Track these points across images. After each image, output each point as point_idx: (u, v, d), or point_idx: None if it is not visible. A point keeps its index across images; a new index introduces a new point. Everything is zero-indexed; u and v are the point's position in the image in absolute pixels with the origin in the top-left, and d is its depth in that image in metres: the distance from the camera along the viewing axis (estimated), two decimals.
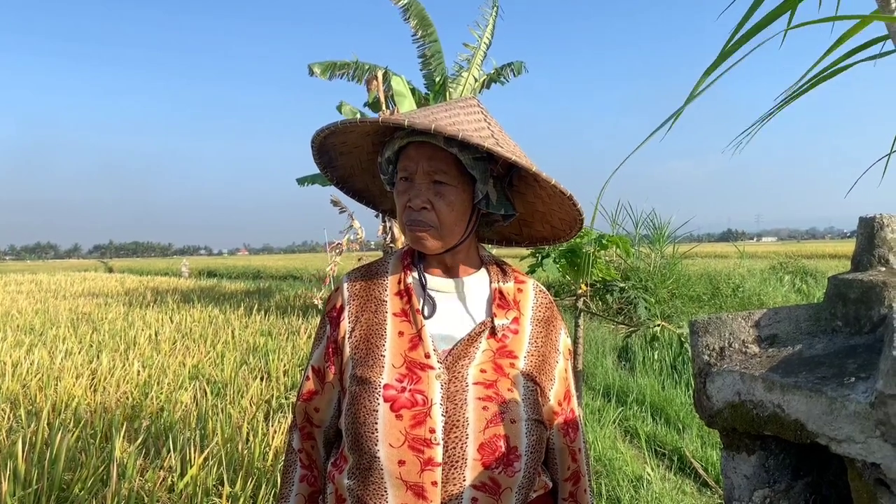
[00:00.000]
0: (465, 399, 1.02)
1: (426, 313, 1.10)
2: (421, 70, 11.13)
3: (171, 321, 9.70)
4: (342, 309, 1.14)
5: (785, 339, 0.91)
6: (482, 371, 1.06)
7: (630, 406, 5.38)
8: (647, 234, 11.19)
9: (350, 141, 1.15)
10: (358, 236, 9.22)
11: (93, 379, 5.56)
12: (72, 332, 8.44)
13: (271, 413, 4.61)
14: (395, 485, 1.00)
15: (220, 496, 3.03)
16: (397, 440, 1.00)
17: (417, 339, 1.07)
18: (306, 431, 1.18)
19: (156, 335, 8.23)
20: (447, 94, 10.65)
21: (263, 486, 3.18)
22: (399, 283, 1.14)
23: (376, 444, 1.00)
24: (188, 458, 3.36)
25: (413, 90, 10.33)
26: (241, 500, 3.07)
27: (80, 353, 6.75)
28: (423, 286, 1.12)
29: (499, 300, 1.13)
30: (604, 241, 3.58)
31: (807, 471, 0.90)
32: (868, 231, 0.93)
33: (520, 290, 1.18)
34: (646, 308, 3.73)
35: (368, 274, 1.18)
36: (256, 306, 11.77)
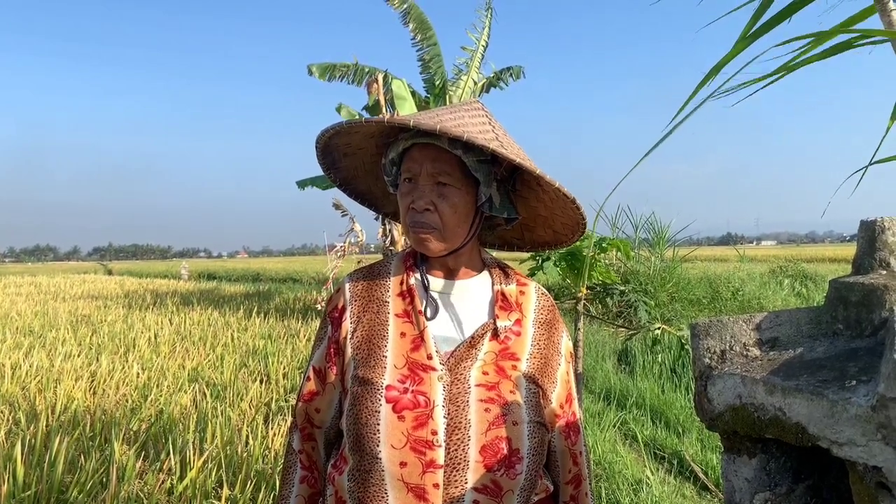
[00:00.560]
0: (467, 401, 1.02)
1: (428, 315, 1.10)
2: (420, 74, 11.15)
3: (171, 323, 9.69)
4: (344, 309, 1.14)
5: (786, 343, 0.91)
6: (484, 373, 1.06)
7: (630, 409, 5.37)
8: (647, 237, 11.20)
9: (354, 142, 1.16)
10: (359, 239, 9.22)
11: (92, 381, 5.55)
12: (71, 335, 8.42)
13: (271, 416, 4.61)
14: (396, 486, 1.00)
15: (220, 499, 3.02)
16: (399, 441, 1.00)
17: (420, 341, 1.07)
18: (307, 432, 1.18)
19: (155, 337, 8.22)
20: (447, 97, 10.67)
21: (263, 489, 3.17)
22: (401, 284, 1.14)
23: (378, 446, 1.00)
24: (187, 460, 3.36)
25: (413, 93, 10.35)
26: (241, 502, 3.06)
27: (79, 355, 6.74)
28: (426, 287, 1.12)
29: (501, 302, 1.13)
30: (604, 245, 3.58)
31: (808, 474, 0.90)
32: (869, 234, 0.93)
33: (522, 293, 1.18)
34: (646, 311, 3.73)
35: (370, 275, 1.18)
36: (256, 309, 11.76)
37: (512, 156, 1.01)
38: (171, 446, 3.54)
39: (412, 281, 1.13)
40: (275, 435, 3.84)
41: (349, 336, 1.11)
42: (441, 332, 1.09)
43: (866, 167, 1.03)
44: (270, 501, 3.10)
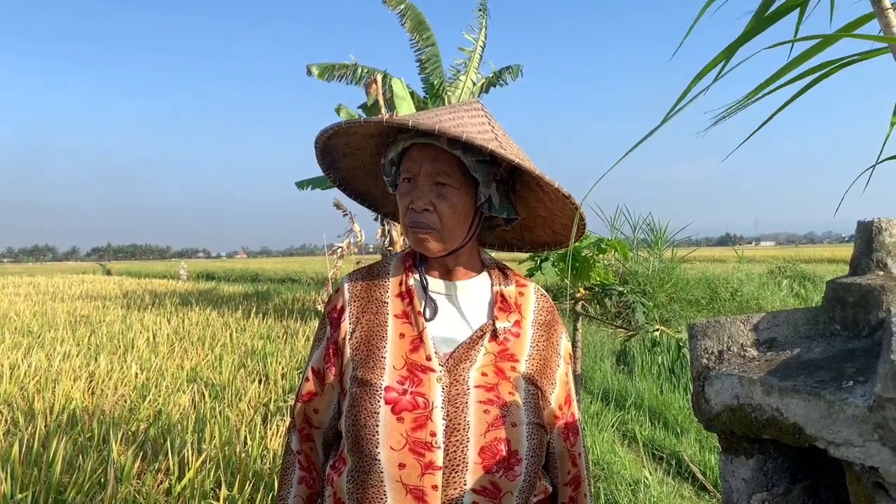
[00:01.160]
0: (466, 402, 1.02)
1: (427, 315, 1.10)
2: (419, 74, 11.15)
3: (170, 324, 9.69)
4: (343, 310, 1.14)
5: (783, 343, 0.92)
6: (483, 374, 1.06)
7: (628, 410, 5.38)
8: (646, 237, 11.20)
9: (354, 143, 1.16)
10: (358, 240, 9.22)
11: (90, 381, 5.55)
12: (70, 335, 8.42)
13: (269, 416, 4.60)
14: (394, 488, 1.00)
15: (218, 499, 3.02)
16: (398, 443, 1.00)
17: (419, 342, 1.07)
18: (305, 433, 1.18)
19: (154, 338, 8.22)
20: (445, 98, 10.67)
21: (261, 490, 3.17)
22: (400, 284, 1.14)
23: (377, 447, 1.00)
24: (186, 461, 3.35)
25: (412, 94, 10.35)
26: (239, 503, 3.06)
27: (77, 355, 6.74)
28: (425, 288, 1.12)
29: (500, 303, 1.13)
30: (602, 245, 3.58)
31: (805, 474, 0.91)
32: (866, 235, 0.94)
33: (521, 294, 1.18)
34: (643, 313, 3.73)
35: (369, 275, 1.18)
36: (255, 309, 11.76)
37: (511, 156, 1.01)
38: (169, 447, 3.54)
39: (411, 282, 1.13)
40: (273, 435, 3.83)
41: (348, 337, 1.11)
42: (440, 333, 1.09)
43: (874, 166, 1.03)
44: (269, 502, 3.09)
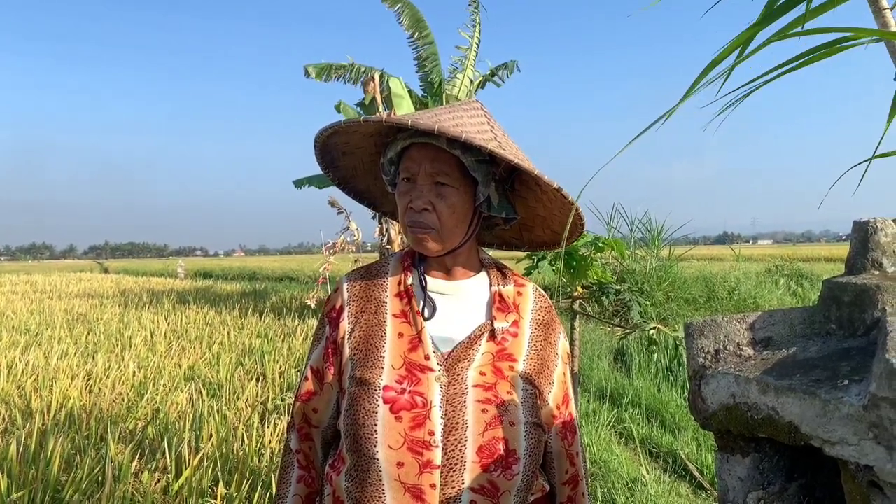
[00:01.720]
0: (465, 402, 1.03)
1: (426, 315, 1.10)
2: (417, 72, 11.13)
3: (167, 322, 9.67)
4: (342, 309, 1.14)
5: (779, 342, 0.92)
6: (481, 374, 1.06)
7: (626, 408, 5.38)
8: (643, 236, 11.21)
9: (353, 141, 1.16)
10: (355, 238, 9.20)
11: (88, 380, 5.54)
12: (67, 333, 8.41)
13: (267, 415, 4.60)
14: (393, 487, 1.00)
15: (215, 498, 3.02)
16: (396, 442, 1.00)
17: (417, 341, 1.07)
18: (304, 432, 1.18)
19: (151, 336, 8.21)
20: (444, 96, 10.66)
21: (259, 488, 3.17)
22: (399, 284, 1.14)
23: (375, 446, 1.01)
24: (183, 459, 3.35)
25: (410, 92, 10.34)
26: (237, 501, 3.06)
27: (75, 354, 6.73)
28: (424, 288, 1.12)
29: (499, 303, 1.14)
30: (599, 244, 3.58)
31: (801, 473, 0.91)
32: (862, 235, 0.94)
33: (519, 294, 1.18)
34: (639, 312, 3.73)
35: (368, 275, 1.18)
36: (252, 307, 11.75)
37: (510, 156, 1.01)
38: (166, 445, 3.54)
39: (410, 281, 1.13)
40: (271, 434, 3.84)
41: (347, 336, 1.11)
42: (439, 332, 1.09)
43: (869, 160, 1.03)
44: (267, 501, 3.10)
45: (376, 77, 8.60)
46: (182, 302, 13.57)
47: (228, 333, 8.35)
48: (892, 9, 0.97)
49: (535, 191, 1.15)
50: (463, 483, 1.00)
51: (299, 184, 10.94)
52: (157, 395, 5.01)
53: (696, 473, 3.88)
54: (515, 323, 1.14)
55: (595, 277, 3.59)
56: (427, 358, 1.06)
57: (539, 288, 1.24)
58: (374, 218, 9.82)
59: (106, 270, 47.03)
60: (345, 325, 1.12)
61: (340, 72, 11.13)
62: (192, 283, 23.43)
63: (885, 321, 0.69)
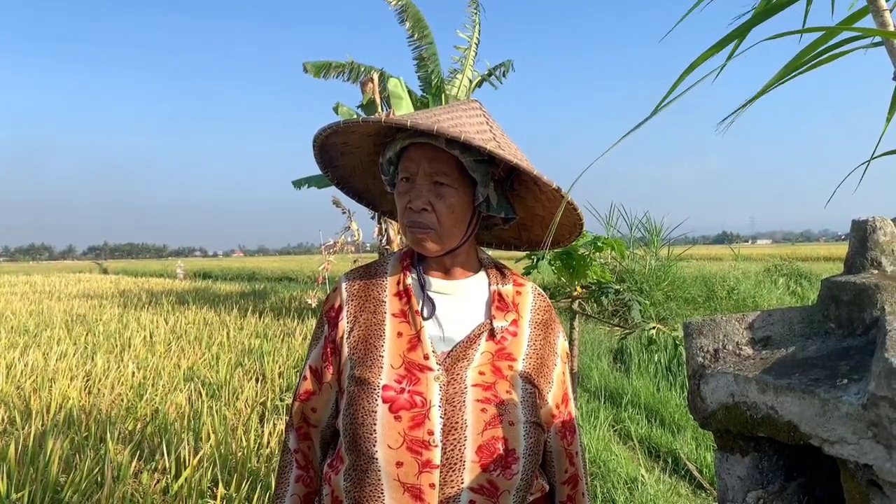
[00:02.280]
0: (464, 401, 1.03)
1: (425, 314, 1.10)
2: (417, 72, 11.12)
3: (166, 323, 9.67)
4: (341, 309, 1.14)
5: (778, 341, 0.92)
6: (481, 373, 1.06)
7: (625, 408, 5.38)
8: (643, 235, 11.21)
9: (352, 141, 1.16)
10: (355, 238, 9.20)
11: (87, 380, 5.54)
12: (66, 334, 8.40)
13: (266, 415, 4.60)
14: (392, 486, 1.00)
15: (215, 498, 3.02)
16: (396, 441, 1.00)
17: (416, 341, 1.07)
18: (303, 432, 1.18)
19: (150, 337, 8.20)
20: (443, 96, 10.66)
21: (258, 488, 3.17)
22: (398, 283, 1.14)
23: (374, 446, 1.00)
24: (182, 459, 3.35)
25: (409, 92, 10.33)
26: (236, 501, 3.06)
27: (74, 354, 6.72)
28: (423, 287, 1.12)
29: (498, 302, 1.14)
30: (599, 244, 3.58)
31: (800, 472, 0.91)
32: (860, 234, 0.94)
33: (518, 293, 1.18)
34: (640, 311, 3.73)
35: (367, 274, 1.18)
36: (251, 308, 11.74)
37: (509, 156, 1.01)
38: (166, 446, 3.54)
39: (409, 280, 1.13)
40: (270, 434, 3.83)
41: (346, 336, 1.11)
42: (438, 332, 1.09)
43: (869, 161, 1.03)
44: (266, 501, 3.10)
45: (375, 77, 8.58)
46: (181, 302, 13.56)
47: (228, 334, 8.35)
48: (891, 10, 0.97)
49: (533, 191, 1.15)
50: (462, 482, 1.00)
51: (299, 184, 10.93)
52: (156, 395, 5.01)
53: (696, 473, 3.88)
54: (515, 322, 1.14)
55: (594, 277, 3.59)
56: (426, 357, 1.05)
57: (538, 287, 1.24)
58: (373, 218, 9.82)
59: (105, 271, 47.01)
60: (344, 324, 1.12)
61: (339, 70, 11.12)
62: (192, 284, 23.42)
63: (884, 320, 0.69)
